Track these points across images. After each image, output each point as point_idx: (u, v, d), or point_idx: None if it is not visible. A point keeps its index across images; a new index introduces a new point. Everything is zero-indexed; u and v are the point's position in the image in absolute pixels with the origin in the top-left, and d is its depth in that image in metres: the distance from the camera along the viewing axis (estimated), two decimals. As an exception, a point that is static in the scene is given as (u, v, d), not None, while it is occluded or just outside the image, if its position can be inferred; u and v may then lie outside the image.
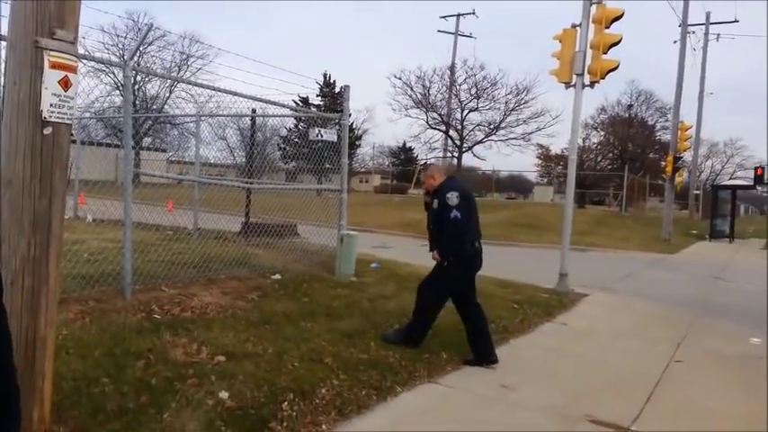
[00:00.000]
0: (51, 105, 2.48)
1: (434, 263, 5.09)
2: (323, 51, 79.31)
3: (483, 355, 4.88)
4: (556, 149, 41.24)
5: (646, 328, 6.76)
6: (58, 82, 2.51)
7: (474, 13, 37.03)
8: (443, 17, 37.71)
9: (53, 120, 2.48)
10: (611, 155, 41.25)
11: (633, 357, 5.46)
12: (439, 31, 38.13)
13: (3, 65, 3.97)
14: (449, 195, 4.89)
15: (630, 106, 41.33)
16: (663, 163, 26.91)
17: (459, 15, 37.10)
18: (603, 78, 8.73)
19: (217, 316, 5.12)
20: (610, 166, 39.73)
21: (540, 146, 37.69)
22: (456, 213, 4.84)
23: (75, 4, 2.55)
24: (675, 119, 22.87)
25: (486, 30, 71.29)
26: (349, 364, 4.34)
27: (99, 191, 9.62)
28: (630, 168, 32.82)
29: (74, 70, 2.59)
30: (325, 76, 39.07)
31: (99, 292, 5.12)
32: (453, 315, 5.24)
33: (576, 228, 10.69)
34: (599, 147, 41.68)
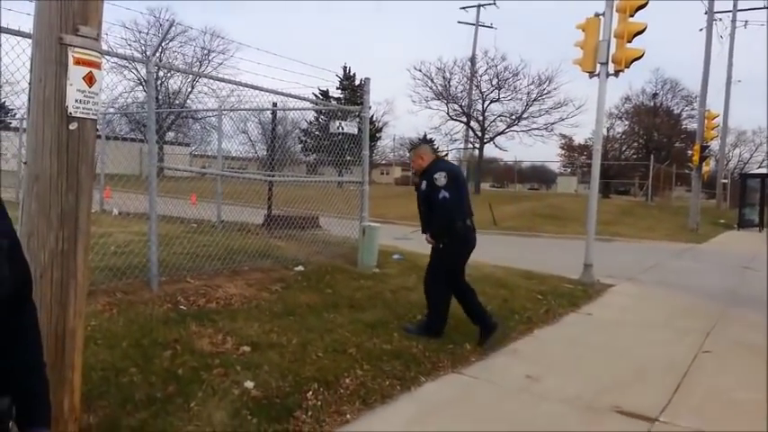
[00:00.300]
0: (76, 101, 2.51)
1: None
2: (343, 44, 79.38)
3: (487, 324, 4.98)
4: (579, 139, 40.77)
5: (673, 319, 6.65)
6: (83, 78, 2.54)
7: (494, 3, 36.69)
8: (463, 8, 37.45)
9: (78, 115, 2.51)
10: (636, 144, 40.61)
11: (661, 348, 5.38)
12: (459, 22, 37.97)
13: (29, 63, 4.04)
14: (436, 176, 4.92)
15: (656, 95, 40.62)
16: (689, 152, 26.45)
17: (479, 6, 36.81)
18: (628, 67, 8.57)
19: (241, 307, 5.18)
20: (635, 156, 39.13)
21: (563, 136, 37.20)
22: (444, 194, 4.87)
23: (98, 1, 2.57)
24: (702, 107, 22.36)
25: (507, 19, 70.54)
26: (372, 354, 4.35)
27: (124, 185, 9.78)
28: (656, 158, 32.26)
29: (98, 66, 2.62)
30: (344, 69, 39.14)
31: (126, 283, 5.21)
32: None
33: (600, 218, 10.56)
34: (624, 136, 41.02)
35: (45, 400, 1.32)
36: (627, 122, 41.13)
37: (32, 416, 1.27)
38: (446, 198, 4.87)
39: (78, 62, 2.52)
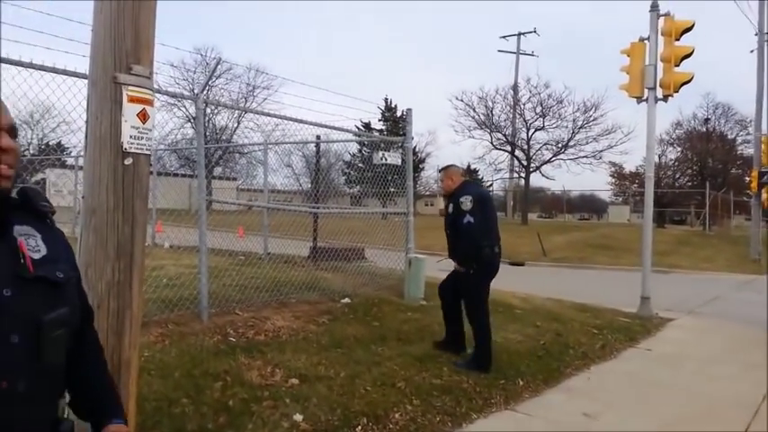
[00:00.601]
0: (131, 137, 2.58)
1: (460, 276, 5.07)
2: (384, 76, 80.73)
3: (458, 344, 5.15)
4: (630, 167, 39.66)
5: (738, 354, 6.27)
6: (137, 115, 2.62)
7: (535, 32, 36.78)
8: (503, 37, 37.59)
9: (133, 151, 2.58)
10: (689, 171, 39.28)
11: (726, 384, 5.06)
12: (499, 51, 38.04)
13: (84, 102, 4.23)
14: (462, 199, 4.84)
15: (707, 120, 39.40)
16: (747, 178, 25.36)
17: (519, 35, 36.89)
18: (677, 91, 8.35)
19: (289, 339, 5.16)
20: (689, 183, 37.81)
21: (613, 164, 36.32)
22: (469, 218, 4.77)
23: (149, 40, 2.66)
24: (757, 132, 21.50)
25: (549, 46, 70.35)
26: (422, 388, 4.24)
27: (175, 219, 10.05)
28: (712, 185, 31.07)
29: (150, 103, 2.70)
30: (386, 100, 39.60)
31: (178, 315, 5.29)
32: (531, 341, 5.07)
33: (656, 248, 10.17)
34: (676, 163, 39.79)
35: (115, 397, 1.47)
36: (679, 149, 39.96)
37: (107, 412, 1.40)
38: (471, 223, 4.78)
39: (132, 100, 2.60)
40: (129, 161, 2.54)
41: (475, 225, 4.78)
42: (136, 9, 2.40)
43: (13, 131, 1.20)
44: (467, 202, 4.80)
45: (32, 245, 1.22)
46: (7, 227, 1.20)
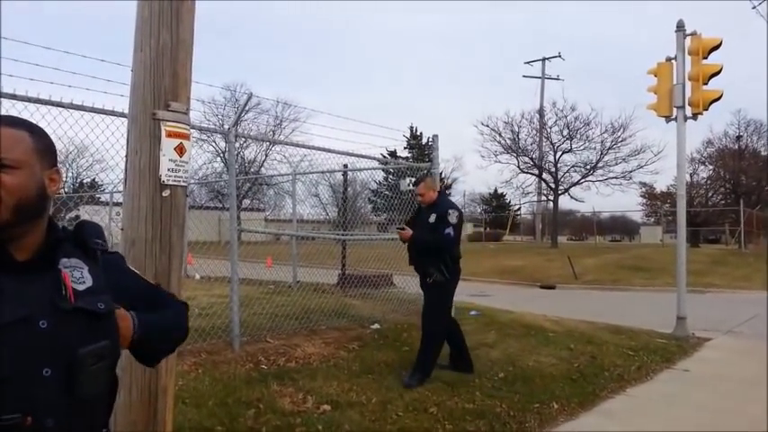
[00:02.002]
0: (169, 170, 2.69)
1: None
2: (408, 104, 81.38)
3: (466, 361, 5.31)
4: (661, 187, 38.94)
5: (782, 375, 6.06)
6: (174, 149, 2.74)
7: (560, 56, 36.78)
8: (528, 62, 37.74)
9: (170, 183, 2.69)
10: (722, 189, 38.45)
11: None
12: (524, 76, 38.12)
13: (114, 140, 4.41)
14: (450, 212, 5.03)
15: (739, 137, 38.64)
16: (783, 194, 24.71)
17: (544, 59, 37.01)
18: (707, 109, 8.28)
19: (320, 366, 5.19)
20: (722, 202, 36.99)
21: (643, 184, 35.70)
22: (450, 231, 4.96)
23: (187, 78, 2.80)
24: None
25: (574, 69, 70.18)
26: (454, 413, 4.22)
27: (206, 251, 10.23)
28: (746, 202, 30.34)
29: (187, 138, 2.82)
30: (411, 128, 39.92)
31: (210, 344, 5.37)
32: (565, 364, 5.00)
33: (691, 268, 9.96)
34: (708, 181, 39.00)
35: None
36: (711, 167, 39.19)
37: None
38: (450, 235, 4.97)
39: (170, 135, 2.72)
40: (166, 193, 2.65)
41: (453, 237, 5.01)
42: (174, 49, 2.53)
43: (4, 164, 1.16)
44: (453, 216, 5.00)
45: (77, 276, 1.22)
46: (53, 259, 1.22)
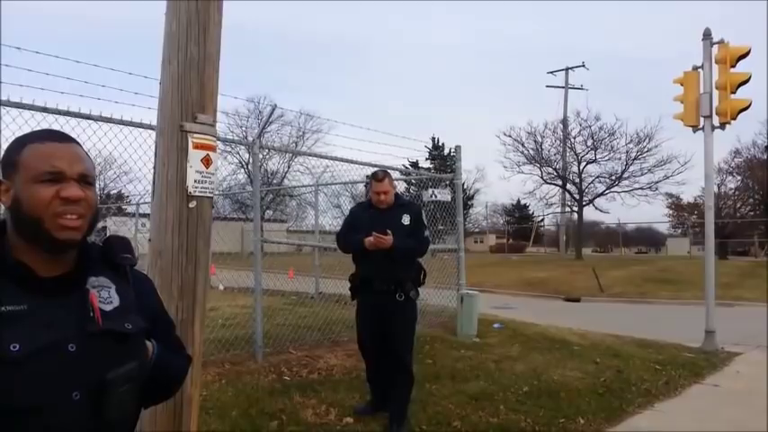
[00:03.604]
0: (195, 181, 2.72)
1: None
2: (430, 115, 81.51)
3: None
4: (688, 198, 38.31)
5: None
6: (201, 160, 2.77)
7: (583, 65, 36.51)
8: (551, 72, 37.53)
9: (197, 194, 2.72)
10: (751, 200, 37.63)
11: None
12: (547, 86, 37.90)
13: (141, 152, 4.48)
14: (422, 211, 4.41)
15: (768, 147, 37.80)
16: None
17: (567, 69, 36.78)
18: (735, 119, 8.13)
19: (342, 377, 5.18)
20: (751, 213, 36.18)
21: (670, 195, 35.15)
22: (428, 234, 4.35)
23: (213, 91, 2.83)
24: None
25: (598, 79, 69.64)
26: (478, 428, 4.17)
27: (229, 262, 10.31)
28: (776, 213, 29.65)
29: (213, 149, 2.85)
30: (433, 139, 39.90)
31: (233, 355, 5.41)
32: (590, 378, 4.91)
33: (719, 280, 9.76)
34: (737, 192, 38.21)
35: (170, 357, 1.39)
36: (739, 177, 38.41)
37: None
38: (429, 239, 4.36)
39: (197, 146, 2.76)
40: (193, 204, 2.68)
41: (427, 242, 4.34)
42: (201, 62, 2.57)
43: (84, 180, 1.19)
44: (422, 216, 4.34)
45: (104, 296, 1.21)
46: (81, 279, 1.20)
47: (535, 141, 32.00)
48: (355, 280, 4.31)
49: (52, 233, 1.13)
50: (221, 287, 11.61)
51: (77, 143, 1.24)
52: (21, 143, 1.20)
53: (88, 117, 4.50)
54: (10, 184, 1.17)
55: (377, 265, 4.08)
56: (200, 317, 2.72)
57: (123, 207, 19.76)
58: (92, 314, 1.16)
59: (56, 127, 4.04)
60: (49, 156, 1.16)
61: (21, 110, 4.07)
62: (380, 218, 4.16)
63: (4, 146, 1.25)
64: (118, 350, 1.17)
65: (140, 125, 4.77)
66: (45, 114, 4.20)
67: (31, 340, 1.08)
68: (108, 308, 1.19)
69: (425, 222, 4.34)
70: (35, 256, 1.16)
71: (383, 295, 4.09)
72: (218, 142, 3.31)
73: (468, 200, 38.35)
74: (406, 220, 4.20)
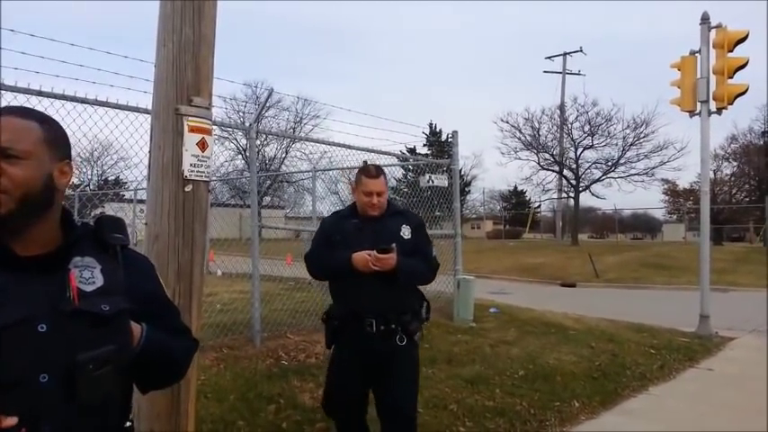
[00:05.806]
0: (191, 165, 2.71)
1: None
2: (428, 100, 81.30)
3: None
4: (684, 184, 38.45)
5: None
6: (197, 144, 2.76)
7: (581, 51, 36.33)
8: (549, 57, 37.34)
9: (193, 178, 2.71)
10: (747, 186, 37.72)
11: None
12: (545, 71, 37.73)
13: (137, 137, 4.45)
14: (425, 224, 3.33)
15: (765, 133, 37.82)
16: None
17: (565, 54, 36.59)
18: (731, 104, 8.12)
19: (340, 362, 5.20)
20: (747, 199, 36.28)
21: (666, 181, 35.18)
22: (435, 252, 3.26)
23: (209, 73, 2.81)
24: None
25: (596, 64, 69.33)
26: (474, 411, 4.20)
27: (227, 248, 10.32)
28: (772, 199, 29.72)
29: (209, 133, 2.84)
30: (430, 125, 39.78)
31: (231, 339, 5.43)
32: (585, 362, 4.95)
33: (714, 266, 9.80)
34: (733, 178, 38.29)
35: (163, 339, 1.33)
36: (735, 163, 38.47)
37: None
38: (437, 260, 3.29)
39: (192, 130, 2.74)
40: (189, 188, 2.67)
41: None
42: (196, 43, 2.55)
43: (3, 153, 1.11)
44: (425, 228, 3.32)
45: (86, 276, 1.17)
46: (62, 259, 1.16)
47: (532, 127, 31.93)
48: (334, 318, 3.22)
49: None
50: (219, 273, 11.62)
51: (15, 115, 1.16)
52: None
53: (84, 101, 4.45)
54: None
55: (371, 296, 2.95)
56: (197, 301, 2.72)
57: (121, 193, 19.70)
58: (68, 294, 1.12)
59: (50, 111, 4.01)
60: None
61: (15, 93, 4.02)
62: (372, 229, 3.00)
63: None
64: (93, 332, 1.13)
65: (137, 109, 4.74)
66: (40, 98, 4.16)
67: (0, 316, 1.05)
68: (89, 288, 1.16)
69: (427, 233, 3.29)
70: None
71: (378, 339, 2.95)
72: (214, 127, 3.29)
73: (465, 186, 38.29)
74: (405, 232, 3.05)
